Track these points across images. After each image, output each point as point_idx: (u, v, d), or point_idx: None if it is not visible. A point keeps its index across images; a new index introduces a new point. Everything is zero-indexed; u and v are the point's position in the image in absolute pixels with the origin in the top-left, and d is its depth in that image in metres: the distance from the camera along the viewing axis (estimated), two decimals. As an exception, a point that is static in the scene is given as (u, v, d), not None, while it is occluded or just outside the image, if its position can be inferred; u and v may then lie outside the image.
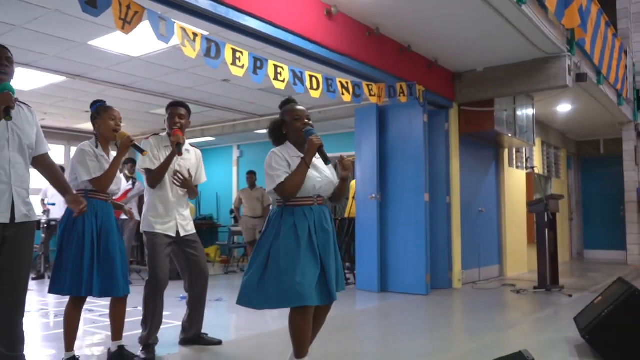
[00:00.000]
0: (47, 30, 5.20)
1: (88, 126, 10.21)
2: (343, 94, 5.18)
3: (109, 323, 3.50)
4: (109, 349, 3.50)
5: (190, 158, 3.85)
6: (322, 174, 2.98)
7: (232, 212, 10.45)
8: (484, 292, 6.85)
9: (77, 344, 3.35)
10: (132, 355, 3.45)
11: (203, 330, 4.01)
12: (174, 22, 3.71)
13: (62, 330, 3.26)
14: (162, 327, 3.84)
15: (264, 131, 10.09)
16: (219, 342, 3.94)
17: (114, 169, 3.31)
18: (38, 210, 8.62)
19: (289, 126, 3.00)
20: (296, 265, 2.79)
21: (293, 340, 2.89)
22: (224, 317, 5.29)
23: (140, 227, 3.76)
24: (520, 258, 9.17)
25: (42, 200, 8.44)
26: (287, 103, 3.12)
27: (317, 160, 3.00)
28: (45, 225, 8.05)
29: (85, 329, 4.50)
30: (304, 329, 2.86)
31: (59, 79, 6.82)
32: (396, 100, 6.01)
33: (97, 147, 3.37)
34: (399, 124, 6.86)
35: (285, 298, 2.78)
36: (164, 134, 3.84)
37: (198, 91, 7.55)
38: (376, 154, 6.79)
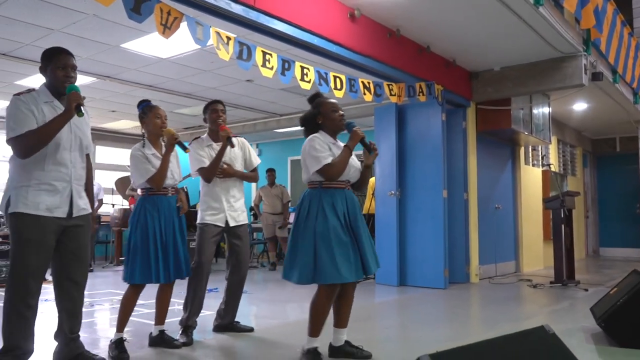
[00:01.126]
0: (83, 34, 5.46)
1: (113, 126, 10.53)
2: (365, 93, 5.38)
3: (152, 310, 3.76)
4: (151, 333, 3.74)
5: (234, 150, 4.06)
6: (352, 161, 3.26)
7: (251, 209, 10.70)
8: (501, 286, 7.01)
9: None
10: (172, 339, 3.69)
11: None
12: (210, 27, 3.94)
13: (93, 320, 3.52)
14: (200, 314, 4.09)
15: (284, 130, 10.41)
16: (251, 330, 4.17)
17: (164, 167, 3.55)
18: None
19: (326, 117, 3.27)
20: (339, 244, 3.05)
21: (314, 318, 3.17)
22: (249, 308, 5.52)
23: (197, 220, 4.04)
24: (536, 254, 9.30)
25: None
26: (318, 96, 3.41)
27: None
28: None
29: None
30: (327, 307, 3.18)
31: (88, 79, 7.10)
32: (415, 99, 6.20)
33: (144, 146, 3.60)
34: (418, 122, 7.04)
35: (325, 275, 3.03)
36: (204, 136, 4.08)
37: (222, 91, 7.79)
38: (395, 151, 6.97)
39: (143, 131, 3.68)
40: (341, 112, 3.29)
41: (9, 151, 3.00)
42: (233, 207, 4.03)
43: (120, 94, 7.87)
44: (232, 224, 4.00)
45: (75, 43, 5.67)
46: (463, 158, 7.37)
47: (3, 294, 2.96)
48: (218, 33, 4.01)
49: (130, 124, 10.17)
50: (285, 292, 6.66)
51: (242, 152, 4.16)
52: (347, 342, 3.37)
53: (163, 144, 3.67)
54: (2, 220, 7.13)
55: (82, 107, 2.92)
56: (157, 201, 3.56)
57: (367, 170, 3.39)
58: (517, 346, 1.81)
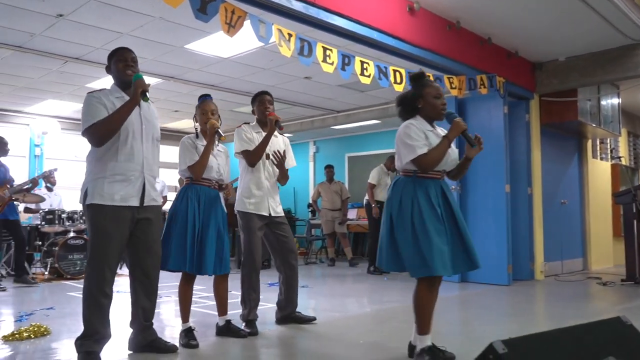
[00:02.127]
0: (149, 36, 5.68)
1: (176, 125, 10.87)
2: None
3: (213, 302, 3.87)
4: (217, 324, 3.85)
5: (279, 143, 4.14)
6: (450, 151, 3.06)
7: (309, 205, 10.79)
8: (568, 284, 6.77)
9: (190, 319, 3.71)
10: (239, 328, 3.79)
11: (296, 311, 4.30)
12: (272, 24, 4.02)
13: (162, 310, 3.63)
14: (260, 308, 4.17)
15: (340, 127, 10.43)
16: (314, 319, 4.22)
17: (204, 157, 3.59)
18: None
19: (427, 101, 3.03)
20: (438, 235, 2.88)
21: (420, 314, 2.97)
22: (309, 302, 5.58)
23: (235, 208, 4.08)
24: (605, 251, 8.92)
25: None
26: (423, 77, 3.13)
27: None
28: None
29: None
30: (430, 301, 2.97)
31: (154, 80, 7.37)
32: (476, 92, 6.08)
33: (197, 137, 3.71)
34: (479, 115, 6.90)
35: (428, 267, 2.84)
36: (254, 122, 4.16)
37: (281, 89, 7.90)
38: (455, 145, 6.83)
39: (196, 125, 3.80)
40: (444, 101, 3.07)
41: (84, 151, 3.19)
42: (274, 199, 4.08)
43: (183, 94, 8.12)
44: (273, 214, 4.04)
45: (142, 45, 5.91)
46: (526, 152, 7.16)
47: (80, 285, 3.14)
48: (280, 30, 4.08)
49: (192, 124, 10.47)
50: (343, 287, 6.70)
51: (285, 148, 4.19)
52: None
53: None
54: (76, 215, 7.51)
55: (147, 92, 3.07)
56: (199, 191, 3.62)
57: (467, 162, 3.18)
58: (592, 336, 1.74)
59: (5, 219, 6.33)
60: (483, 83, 6.06)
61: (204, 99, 3.82)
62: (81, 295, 3.14)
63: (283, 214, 4.17)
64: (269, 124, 3.99)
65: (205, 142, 3.67)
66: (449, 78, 5.67)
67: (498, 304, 5.49)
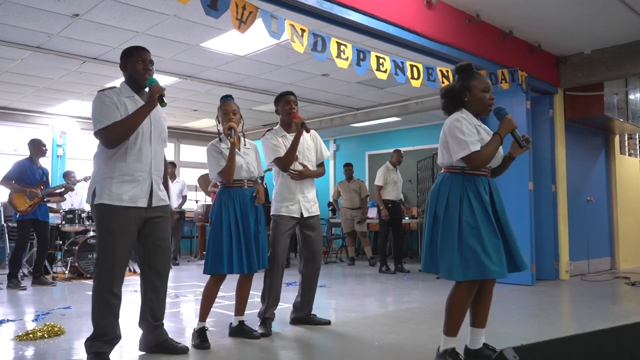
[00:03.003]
0: (165, 35, 5.67)
1: (196, 124, 10.89)
2: (443, 82, 5.19)
3: (233, 302, 3.83)
4: (231, 324, 3.81)
5: (307, 141, 4.08)
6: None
7: (329, 204, 10.71)
8: (595, 284, 6.57)
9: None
10: (252, 330, 3.74)
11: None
12: (284, 20, 3.94)
13: (178, 310, 3.60)
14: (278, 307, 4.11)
15: (360, 124, 10.33)
16: (328, 322, 4.15)
17: (231, 161, 3.58)
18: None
19: (474, 94, 2.87)
20: (489, 235, 2.74)
21: (453, 316, 2.82)
22: (327, 301, 5.50)
23: (271, 213, 4.07)
24: (634, 250, 8.65)
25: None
26: (470, 69, 2.97)
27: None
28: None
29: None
30: (467, 304, 2.83)
31: (171, 80, 7.38)
32: (497, 87, 5.92)
33: (221, 141, 3.67)
34: (500, 111, 6.72)
35: (472, 269, 2.70)
36: (276, 127, 4.11)
37: (298, 87, 7.83)
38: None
39: (219, 127, 3.75)
40: (492, 95, 2.90)
41: (92, 149, 3.16)
42: (306, 198, 4.05)
43: (201, 92, 8.12)
44: (305, 214, 4.01)
45: (158, 44, 5.90)
46: (550, 148, 6.96)
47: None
48: (292, 25, 4.01)
49: (211, 123, 10.48)
50: (363, 286, 6.61)
51: (314, 144, 4.18)
52: (485, 344, 2.99)
53: (242, 137, 3.75)
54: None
55: (164, 98, 3.04)
56: (232, 193, 3.62)
57: (509, 161, 3.02)
58: (614, 342, 1.61)
59: (35, 219, 6.39)
60: (504, 78, 5.90)
61: (226, 99, 3.78)
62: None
63: (317, 213, 4.13)
64: (294, 126, 3.95)
65: (229, 144, 3.64)
66: (468, 73, 5.52)
67: (521, 304, 5.34)
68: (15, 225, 6.50)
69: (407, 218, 9.27)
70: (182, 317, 4.67)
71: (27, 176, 6.33)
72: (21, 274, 6.96)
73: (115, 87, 3.15)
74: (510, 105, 6.63)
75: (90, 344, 3.01)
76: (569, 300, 5.76)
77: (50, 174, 6.86)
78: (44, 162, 6.86)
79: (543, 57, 6.75)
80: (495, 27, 5.90)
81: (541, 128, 6.98)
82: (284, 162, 3.94)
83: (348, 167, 9.35)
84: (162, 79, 7.34)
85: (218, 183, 3.74)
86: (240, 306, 3.78)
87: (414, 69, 4.92)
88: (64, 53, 6.14)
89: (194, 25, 5.37)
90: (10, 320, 4.37)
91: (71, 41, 5.78)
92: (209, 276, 3.63)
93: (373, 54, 4.62)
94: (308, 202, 4.06)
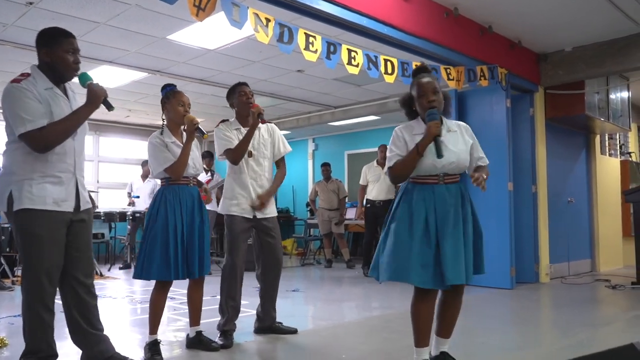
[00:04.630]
0: (128, 26, 5.37)
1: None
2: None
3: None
4: (188, 335, 3.54)
5: (262, 135, 3.80)
6: (450, 152, 2.71)
7: (308, 204, 10.47)
8: (575, 287, 6.40)
9: (161, 329, 3.39)
10: (210, 340, 3.47)
11: (280, 320, 3.97)
12: (247, 8, 3.68)
13: (147, 316, 3.31)
14: (239, 315, 3.85)
15: (339, 123, 10.10)
16: (295, 331, 3.89)
17: (185, 155, 3.29)
18: (123, 203, 9.03)
19: (417, 103, 2.74)
20: (418, 244, 2.63)
21: (413, 325, 2.75)
22: (300, 307, 5.26)
23: (219, 210, 3.77)
24: (614, 252, 8.52)
25: (129, 193, 8.82)
26: (418, 72, 2.81)
27: (450, 133, 2.76)
28: (131, 217, 8.40)
29: (168, 316, 4.61)
30: (421, 312, 2.71)
31: (140, 75, 7.06)
32: (476, 84, 5.72)
33: (162, 134, 3.34)
34: (480, 109, 6.54)
35: (403, 273, 2.65)
36: (232, 119, 3.84)
37: (273, 83, 7.57)
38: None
39: (163, 117, 3.44)
40: (431, 98, 2.67)
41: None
42: None
43: (172, 89, 7.80)
44: (259, 216, 3.72)
45: (122, 36, 5.60)
46: (530, 148, 6.78)
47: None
48: (256, 14, 3.75)
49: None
50: (337, 291, 6.37)
51: (271, 139, 3.86)
52: (444, 353, 2.87)
53: (184, 132, 3.43)
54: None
55: (109, 100, 2.74)
56: (178, 191, 3.30)
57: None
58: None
59: None
60: (483, 74, 5.71)
61: (173, 88, 3.47)
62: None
63: (273, 215, 3.83)
64: (251, 116, 3.66)
65: (173, 138, 3.35)
66: (446, 69, 5.32)
67: (499, 310, 5.15)
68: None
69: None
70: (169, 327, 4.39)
71: None
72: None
73: (27, 74, 2.69)
74: (490, 103, 6.45)
75: (23, 361, 2.72)
76: (549, 305, 5.59)
77: None
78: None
79: (523, 54, 6.57)
80: (474, 21, 5.70)
81: (521, 127, 6.80)
82: (235, 155, 3.64)
83: (325, 166, 9.11)
84: (130, 74, 7.04)
85: (159, 180, 3.42)
86: (195, 315, 3.50)
87: (388, 63, 4.70)
88: (22, 45, 5.79)
89: (158, 16, 5.08)
90: (-48, 331, 4.05)
91: (27, 31, 5.44)
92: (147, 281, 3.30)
93: (344, 47, 4.38)
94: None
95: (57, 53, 2.68)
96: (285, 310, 4.91)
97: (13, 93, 2.58)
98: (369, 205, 7.50)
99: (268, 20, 3.82)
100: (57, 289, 2.78)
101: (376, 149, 7.93)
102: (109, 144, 10.64)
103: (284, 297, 5.61)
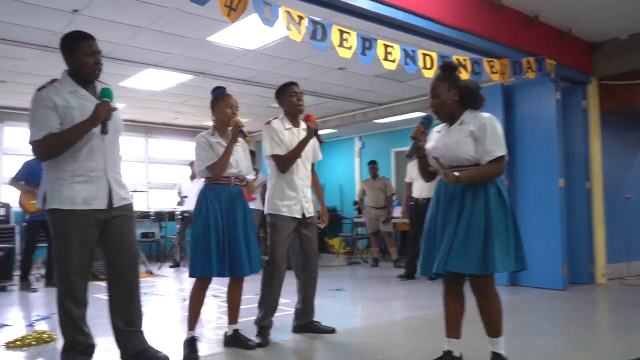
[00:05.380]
0: (169, 30, 5.47)
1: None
2: (460, 72, 4.81)
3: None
4: (225, 333, 3.57)
5: (310, 142, 3.79)
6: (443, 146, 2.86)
7: (355, 203, 10.40)
8: (635, 288, 6.06)
9: (204, 326, 3.43)
10: (247, 339, 3.49)
11: (321, 319, 3.96)
12: (279, 6, 3.67)
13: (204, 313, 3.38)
14: (279, 314, 3.86)
15: (384, 120, 9.97)
16: (332, 331, 3.85)
17: (226, 155, 3.34)
18: (173, 203, 9.24)
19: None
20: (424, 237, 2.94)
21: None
22: (342, 306, 5.21)
23: (265, 210, 3.80)
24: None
25: (178, 193, 9.03)
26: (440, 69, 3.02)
27: (460, 126, 2.84)
28: (180, 217, 8.59)
29: (212, 314, 4.67)
30: (444, 303, 2.96)
31: (185, 77, 7.20)
32: (522, 77, 5.50)
33: (213, 134, 3.42)
34: (528, 103, 6.29)
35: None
36: (281, 116, 3.83)
37: (315, 82, 7.55)
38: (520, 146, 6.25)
39: (213, 118, 3.51)
40: (431, 103, 2.91)
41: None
42: (306, 197, 3.78)
43: (217, 90, 7.92)
44: (306, 214, 3.75)
45: (164, 39, 5.72)
46: (583, 142, 6.47)
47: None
48: (288, 12, 3.73)
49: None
50: (381, 290, 6.27)
51: (313, 143, 3.87)
52: (492, 352, 2.85)
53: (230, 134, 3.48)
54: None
55: (107, 124, 2.75)
56: (219, 190, 3.36)
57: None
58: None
59: (44, 221, 6.30)
60: (530, 66, 5.47)
61: (222, 91, 3.52)
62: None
63: (314, 214, 3.87)
64: (307, 130, 3.66)
65: (219, 139, 3.41)
66: (489, 61, 5.14)
67: (551, 312, 4.92)
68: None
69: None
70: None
71: (36, 176, 6.24)
72: (38, 276, 6.94)
73: (55, 80, 2.81)
74: (538, 96, 6.20)
75: (65, 355, 2.83)
76: (604, 306, 5.32)
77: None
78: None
79: (574, 44, 6.27)
80: (519, 11, 5.48)
81: (573, 120, 6.51)
82: (285, 163, 3.66)
83: (372, 164, 9.01)
84: (175, 77, 7.19)
85: (203, 179, 3.48)
86: (233, 313, 3.53)
87: (427, 58, 4.58)
88: (72, 51, 6.02)
89: (197, 18, 5.15)
90: (6, 325, 4.24)
91: (76, 39, 5.64)
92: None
93: (380, 42, 4.30)
94: (308, 201, 3.80)
95: (77, 56, 2.79)
96: (327, 309, 4.89)
97: (33, 101, 2.72)
98: (412, 203, 7.33)
99: (300, 17, 3.80)
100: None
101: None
102: (159, 145, 10.94)
103: (326, 296, 5.59)
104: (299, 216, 3.71)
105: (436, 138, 2.93)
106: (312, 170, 3.94)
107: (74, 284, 2.76)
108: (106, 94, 2.77)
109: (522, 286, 6.12)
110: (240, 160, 3.45)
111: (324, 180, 12.32)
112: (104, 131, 2.75)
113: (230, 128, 3.43)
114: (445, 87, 2.84)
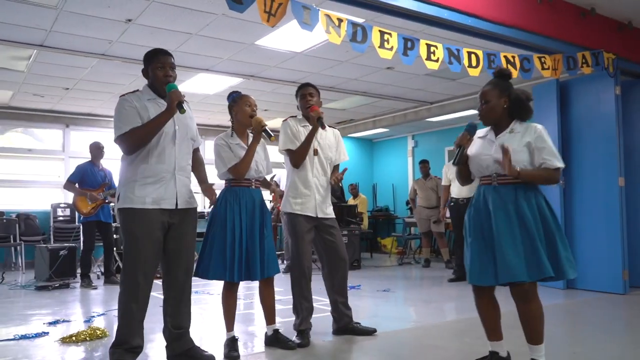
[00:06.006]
0: (218, 35, 5.61)
1: (270, 124, 10.91)
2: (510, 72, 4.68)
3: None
4: (266, 333, 3.63)
5: (329, 137, 3.83)
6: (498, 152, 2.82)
7: (408, 202, 10.30)
8: (703, 293, 5.70)
9: (245, 326, 3.50)
10: (287, 339, 3.53)
11: (361, 321, 3.96)
12: (318, 10, 3.70)
13: (247, 313, 3.45)
14: (320, 315, 3.88)
15: (438, 119, 9.81)
16: (373, 332, 3.84)
17: (250, 155, 3.36)
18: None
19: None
20: (470, 242, 2.92)
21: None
22: (386, 307, 5.17)
23: (281, 209, 3.83)
24: None
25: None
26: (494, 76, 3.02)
27: (511, 134, 2.88)
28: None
29: (251, 312, 4.77)
30: (478, 308, 3.03)
31: (236, 80, 7.36)
32: (577, 72, 5.28)
33: (231, 136, 3.45)
34: (585, 99, 6.03)
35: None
36: (300, 116, 3.87)
37: (364, 81, 7.54)
38: (558, 135, 6.01)
39: (231, 120, 3.55)
40: (480, 107, 2.95)
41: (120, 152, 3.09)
42: (323, 198, 3.76)
43: (267, 92, 8.05)
44: (320, 215, 3.72)
45: (213, 44, 5.88)
46: (647, 139, 6.15)
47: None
48: (328, 16, 3.75)
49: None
50: (429, 291, 6.19)
51: (336, 143, 3.89)
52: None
53: (250, 135, 3.50)
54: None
55: (183, 104, 2.94)
56: (239, 193, 3.38)
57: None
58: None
59: (99, 221, 6.63)
60: (586, 61, 5.25)
61: (239, 94, 3.58)
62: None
63: (333, 216, 3.85)
64: (311, 120, 3.69)
65: (238, 140, 3.44)
66: (539, 57, 4.97)
67: (606, 317, 4.70)
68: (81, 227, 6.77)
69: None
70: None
71: (89, 179, 6.57)
72: (98, 273, 7.29)
73: (137, 90, 3.10)
74: (596, 92, 5.94)
75: (112, 351, 2.97)
76: (667, 313, 5.02)
77: (114, 175, 7.00)
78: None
79: (635, 36, 5.95)
80: (573, 4, 5.26)
81: (636, 116, 6.18)
82: (296, 157, 3.68)
83: (423, 164, 8.89)
84: (226, 80, 7.36)
85: (223, 182, 3.52)
86: (269, 314, 3.56)
87: (472, 56, 4.48)
88: (127, 58, 6.29)
89: (244, 23, 5.26)
90: (66, 321, 4.49)
91: (131, 46, 5.89)
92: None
93: (422, 42, 4.24)
94: (324, 202, 3.77)
95: (151, 70, 3.04)
96: (370, 311, 4.89)
97: (117, 105, 2.99)
98: (452, 203, 7.17)
99: (340, 20, 3.81)
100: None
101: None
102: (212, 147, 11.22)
103: (372, 297, 5.59)
104: (312, 215, 3.69)
105: (481, 144, 2.93)
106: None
107: (140, 285, 2.92)
108: (172, 86, 2.98)
109: (578, 289, 5.89)
110: (260, 161, 3.47)
111: (377, 179, 12.27)
112: (182, 110, 2.94)
113: (250, 129, 3.47)
114: (496, 93, 2.87)
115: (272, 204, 7.99)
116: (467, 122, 3.01)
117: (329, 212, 3.80)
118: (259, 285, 3.57)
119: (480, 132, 3.00)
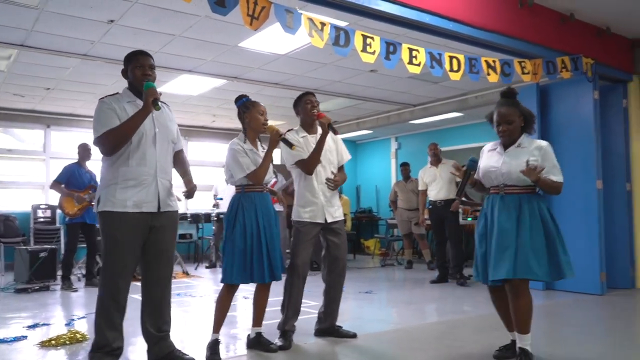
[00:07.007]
0: (201, 37, 5.60)
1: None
2: (489, 74, 4.76)
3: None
4: (249, 335, 3.64)
5: (327, 141, 3.83)
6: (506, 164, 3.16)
7: (389, 205, 10.35)
8: (677, 294, 5.83)
9: (224, 329, 3.50)
10: (269, 342, 3.54)
11: (344, 322, 4.00)
12: (301, 14, 3.71)
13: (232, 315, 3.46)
14: (304, 317, 3.90)
15: (421, 121, 9.87)
16: (354, 335, 3.87)
17: (267, 162, 3.44)
18: (208, 205, 9.43)
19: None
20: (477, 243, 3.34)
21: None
22: (368, 310, 5.20)
23: (291, 217, 3.88)
24: None
25: (214, 196, 9.21)
26: (502, 96, 3.25)
27: (518, 149, 3.19)
28: (216, 219, 8.77)
29: (234, 315, 4.76)
30: (493, 302, 3.41)
31: (219, 82, 7.34)
32: (556, 77, 5.36)
33: (245, 142, 3.49)
34: (564, 103, 6.13)
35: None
36: (296, 127, 3.90)
37: (348, 84, 7.57)
38: (537, 138, 6.08)
39: (244, 127, 3.57)
40: (502, 128, 3.18)
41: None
42: (330, 202, 3.81)
43: (252, 94, 7.88)
44: (329, 219, 3.78)
45: (196, 46, 5.86)
46: (624, 142, 6.27)
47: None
48: (311, 19, 3.77)
49: (274, 123, 10.43)
50: (410, 293, 6.24)
51: (335, 146, 3.94)
52: (519, 348, 3.20)
53: (258, 141, 3.58)
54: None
55: (158, 101, 2.93)
56: (254, 198, 3.43)
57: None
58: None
59: (83, 223, 6.57)
60: (565, 66, 5.33)
61: (248, 99, 3.60)
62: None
63: (341, 218, 3.91)
64: (321, 127, 3.72)
65: (251, 146, 3.49)
66: (520, 62, 5.04)
67: (587, 318, 4.79)
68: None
69: (469, 219, 8.71)
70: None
71: (75, 180, 6.52)
72: (79, 275, 7.22)
73: (117, 93, 3.09)
74: (575, 96, 6.05)
75: (92, 355, 2.96)
76: (643, 313, 5.13)
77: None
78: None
79: (614, 41, 6.06)
80: (553, 10, 5.35)
81: (613, 120, 6.31)
82: (308, 165, 3.72)
83: (404, 166, 8.96)
84: (209, 81, 7.35)
85: (235, 187, 3.56)
86: (258, 316, 3.59)
87: (454, 60, 4.53)
88: (109, 59, 6.24)
89: (227, 25, 5.25)
90: (45, 324, 4.44)
91: (113, 47, 5.84)
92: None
93: (405, 46, 4.28)
94: (332, 206, 3.83)
95: (130, 70, 3.06)
96: (353, 313, 4.91)
97: (97, 108, 2.99)
98: (430, 206, 7.23)
99: (323, 24, 3.83)
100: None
101: (461, 147, 7.61)
102: (197, 148, 11.17)
103: (354, 299, 5.61)
104: (321, 221, 3.76)
105: (490, 157, 3.25)
106: (341, 171, 3.95)
107: (118, 286, 2.92)
108: (150, 84, 2.96)
109: (557, 290, 5.98)
110: (270, 169, 3.53)
111: (360, 181, 12.32)
112: (156, 107, 2.91)
113: (260, 135, 3.56)
114: (517, 113, 3.14)
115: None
116: (469, 159, 3.30)
117: (337, 215, 3.85)
118: (256, 287, 3.60)
119: (489, 145, 3.31)
